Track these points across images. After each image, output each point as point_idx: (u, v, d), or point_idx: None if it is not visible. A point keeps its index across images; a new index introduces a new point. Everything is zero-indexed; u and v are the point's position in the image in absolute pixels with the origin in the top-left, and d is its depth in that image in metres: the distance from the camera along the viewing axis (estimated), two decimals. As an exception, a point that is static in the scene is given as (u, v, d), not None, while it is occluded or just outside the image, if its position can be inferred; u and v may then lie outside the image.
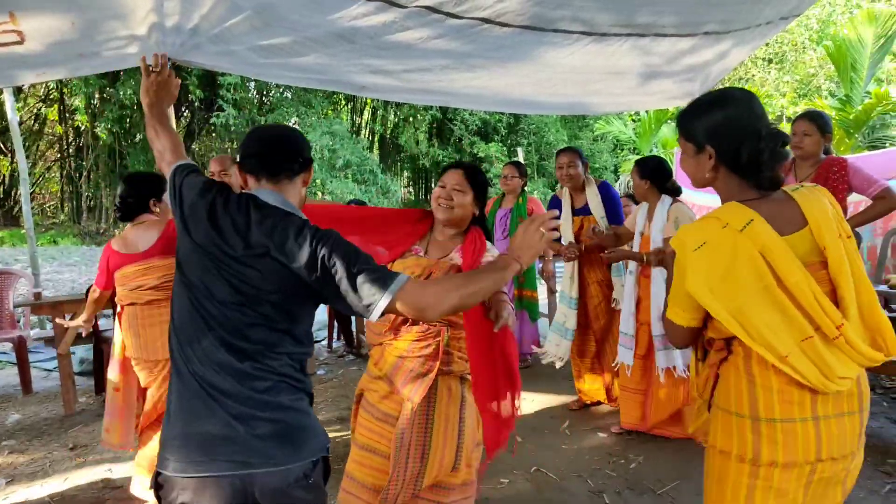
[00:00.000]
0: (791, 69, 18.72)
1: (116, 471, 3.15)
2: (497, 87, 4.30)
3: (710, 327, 1.62)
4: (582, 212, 4.38)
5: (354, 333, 5.74)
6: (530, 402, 4.35)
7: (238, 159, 1.87)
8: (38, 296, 4.45)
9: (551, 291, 5.79)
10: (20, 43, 2.98)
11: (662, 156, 8.56)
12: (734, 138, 1.56)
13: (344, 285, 1.59)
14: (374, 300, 1.58)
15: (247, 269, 1.63)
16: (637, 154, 14.29)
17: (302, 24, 3.47)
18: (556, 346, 4.22)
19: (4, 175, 17.85)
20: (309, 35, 3.54)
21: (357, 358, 5.48)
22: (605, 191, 4.33)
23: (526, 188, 5.14)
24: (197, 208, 1.76)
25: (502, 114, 17.69)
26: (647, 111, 13.23)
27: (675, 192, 3.89)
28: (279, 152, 1.83)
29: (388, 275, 1.62)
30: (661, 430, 3.79)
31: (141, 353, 2.92)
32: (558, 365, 4.14)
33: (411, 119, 20.11)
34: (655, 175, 3.90)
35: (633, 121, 16.16)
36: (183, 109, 17.84)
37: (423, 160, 19.86)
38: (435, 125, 20.13)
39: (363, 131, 21.33)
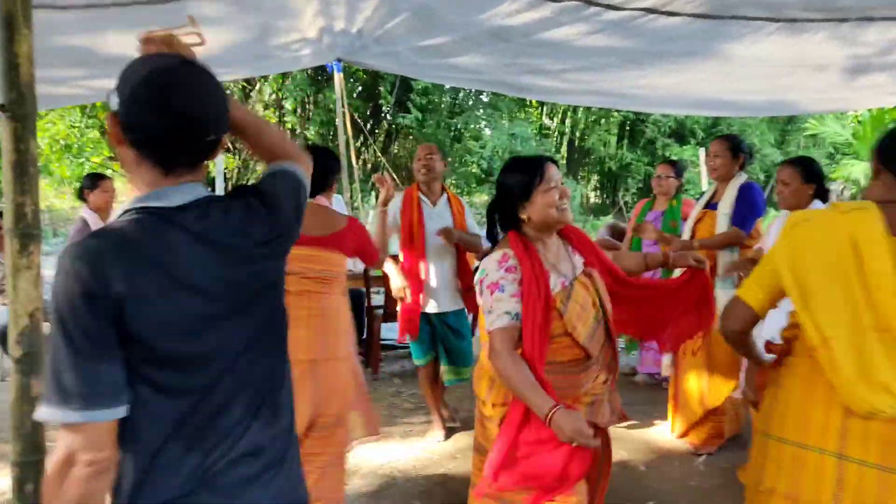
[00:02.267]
0: None
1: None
2: (668, 86, 3.97)
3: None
4: (712, 206, 3.68)
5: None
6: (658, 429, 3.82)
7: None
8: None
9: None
10: (202, 44, 3.29)
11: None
12: None
13: None
14: None
15: None
16: (856, 160, 12.46)
17: (457, 24, 3.45)
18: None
19: (231, 169, 20.28)
20: (463, 34, 3.52)
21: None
22: (746, 192, 3.57)
23: (682, 189, 4.56)
24: None
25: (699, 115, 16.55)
26: (869, 109, 11.39)
27: (824, 198, 3.21)
28: None
29: None
30: None
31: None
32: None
33: (602, 121, 19.55)
34: (820, 179, 3.24)
35: (858, 121, 14.13)
36: (380, 113, 19.00)
37: (611, 163, 19.20)
38: (627, 127, 19.38)
39: (553, 133, 21.17)
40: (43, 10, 2.71)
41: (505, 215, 2.05)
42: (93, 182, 4.23)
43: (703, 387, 3.45)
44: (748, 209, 3.46)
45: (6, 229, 1.49)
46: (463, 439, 3.64)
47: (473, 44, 3.59)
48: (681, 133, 17.90)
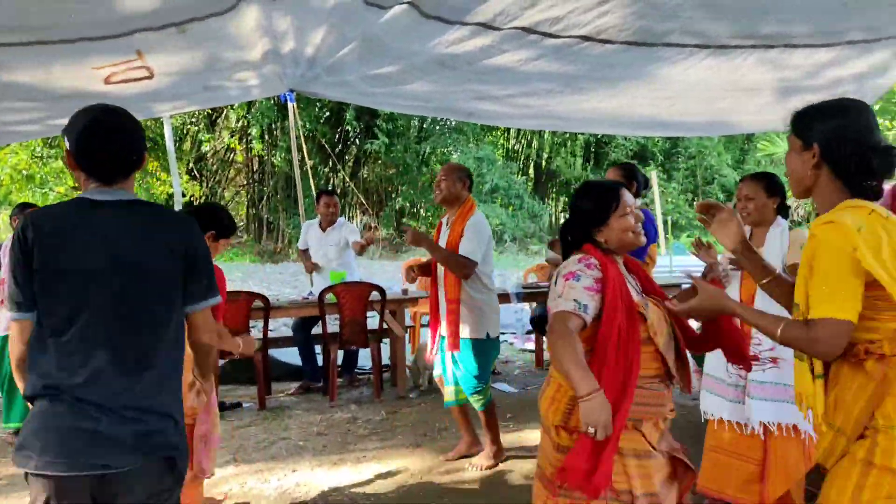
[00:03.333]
0: None
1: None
2: (609, 109, 4.11)
3: (867, 328, 1.53)
4: None
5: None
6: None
7: None
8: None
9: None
10: (150, 77, 3.34)
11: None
12: (846, 144, 1.60)
13: None
14: None
15: None
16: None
17: (404, 52, 3.55)
18: None
19: (198, 198, 20.14)
20: (411, 63, 3.61)
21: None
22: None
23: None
24: None
25: (659, 137, 16.93)
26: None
27: (785, 213, 3.25)
28: None
29: None
30: None
31: None
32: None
33: (567, 143, 19.91)
34: (783, 193, 3.27)
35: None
36: (348, 138, 19.08)
37: (577, 184, 19.53)
38: (591, 149, 19.75)
39: (519, 157, 21.48)
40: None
41: (577, 238, 2.12)
42: (21, 210, 4.23)
43: None
44: None
45: None
46: (419, 463, 3.67)
47: (421, 71, 3.69)
48: (643, 154, 18.32)
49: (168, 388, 1.69)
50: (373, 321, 5.05)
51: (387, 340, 5.30)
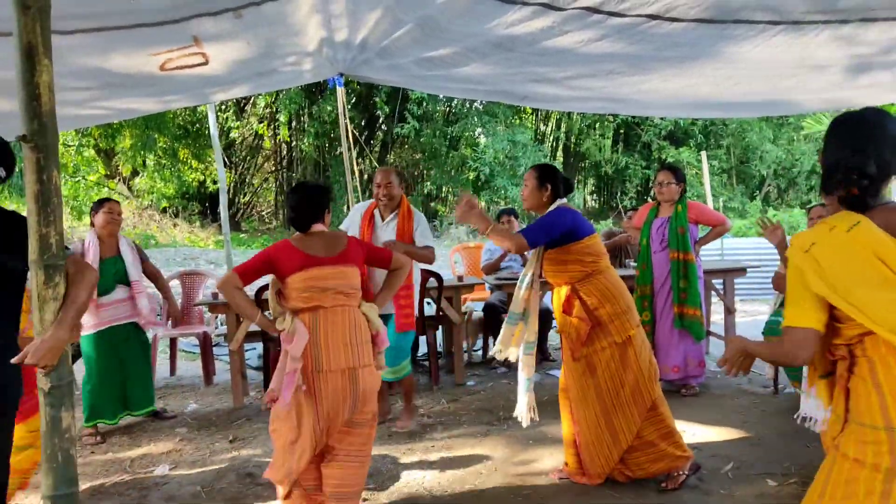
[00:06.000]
0: None
1: (263, 468, 3.30)
2: (670, 90, 3.97)
3: (835, 333, 1.64)
4: None
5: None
6: (691, 436, 3.78)
7: None
8: (215, 295, 4.83)
9: (729, 311, 5.26)
10: (206, 64, 3.29)
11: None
12: (826, 159, 1.72)
13: None
14: None
15: None
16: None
17: (460, 34, 3.45)
18: None
19: (229, 185, 20.25)
20: (467, 45, 3.52)
21: (509, 370, 5.30)
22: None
23: (685, 193, 4.51)
24: None
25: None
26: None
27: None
28: None
29: None
30: None
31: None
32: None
33: (596, 125, 19.60)
34: None
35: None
36: (376, 123, 19.01)
37: (607, 167, 19.24)
38: (622, 131, 19.42)
39: (548, 139, 21.20)
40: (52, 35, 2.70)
41: None
42: (100, 205, 4.21)
43: None
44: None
45: (31, 260, 1.48)
46: (490, 451, 3.61)
47: (476, 54, 3.59)
48: (676, 136, 17.94)
49: None
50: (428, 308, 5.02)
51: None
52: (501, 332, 3.20)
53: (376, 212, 4.01)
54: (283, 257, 2.66)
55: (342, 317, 2.65)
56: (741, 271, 5.30)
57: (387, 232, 3.93)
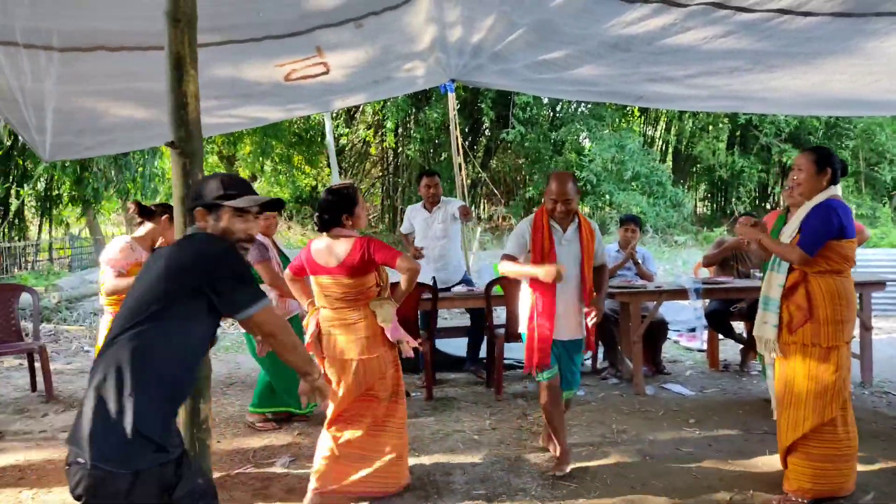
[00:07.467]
0: None
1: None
2: (799, 88, 3.72)
3: None
4: None
5: (620, 355, 5.43)
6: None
7: None
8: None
9: (865, 328, 4.82)
10: (327, 73, 3.42)
11: None
12: None
13: None
14: None
15: None
16: None
17: (575, 36, 3.40)
18: None
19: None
20: (582, 47, 3.46)
21: (620, 382, 5.14)
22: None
23: None
24: None
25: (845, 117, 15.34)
26: None
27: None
28: None
29: None
30: None
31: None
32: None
33: (710, 127, 18.72)
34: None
35: None
36: (480, 128, 19.09)
37: (721, 171, 18.31)
38: (738, 133, 18.43)
39: (657, 143, 20.48)
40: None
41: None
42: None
43: None
44: None
45: None
46: (603, 462, 3.52)
47: (591, 55, 3.53)
48: (798, 136, 16.80)
49: None
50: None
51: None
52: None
53: (554, 224, 3.30)
54: (308, 258, 3.02)
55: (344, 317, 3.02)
56: (880, 285, 4.86)
57: (571, 250, 3.31)
